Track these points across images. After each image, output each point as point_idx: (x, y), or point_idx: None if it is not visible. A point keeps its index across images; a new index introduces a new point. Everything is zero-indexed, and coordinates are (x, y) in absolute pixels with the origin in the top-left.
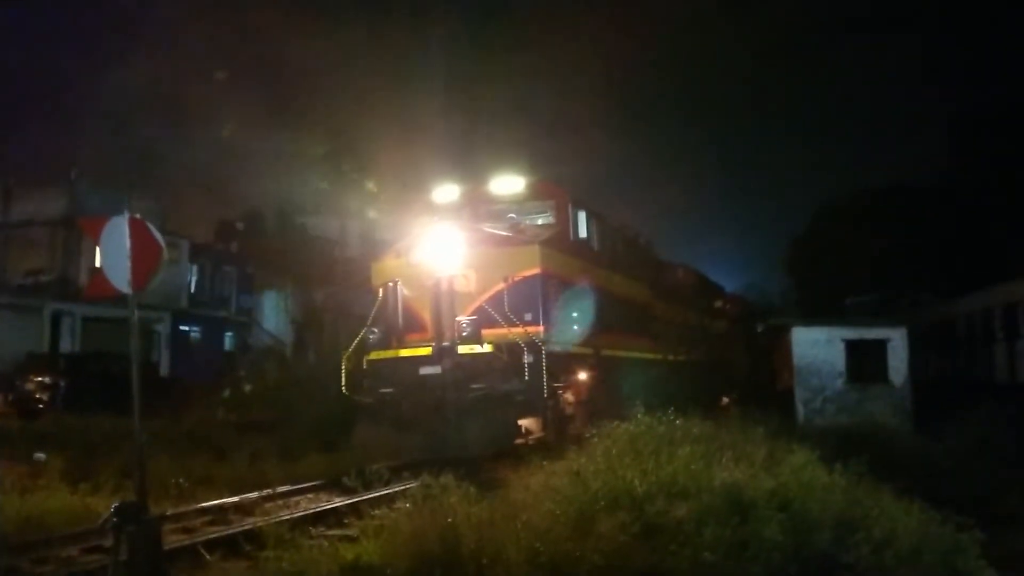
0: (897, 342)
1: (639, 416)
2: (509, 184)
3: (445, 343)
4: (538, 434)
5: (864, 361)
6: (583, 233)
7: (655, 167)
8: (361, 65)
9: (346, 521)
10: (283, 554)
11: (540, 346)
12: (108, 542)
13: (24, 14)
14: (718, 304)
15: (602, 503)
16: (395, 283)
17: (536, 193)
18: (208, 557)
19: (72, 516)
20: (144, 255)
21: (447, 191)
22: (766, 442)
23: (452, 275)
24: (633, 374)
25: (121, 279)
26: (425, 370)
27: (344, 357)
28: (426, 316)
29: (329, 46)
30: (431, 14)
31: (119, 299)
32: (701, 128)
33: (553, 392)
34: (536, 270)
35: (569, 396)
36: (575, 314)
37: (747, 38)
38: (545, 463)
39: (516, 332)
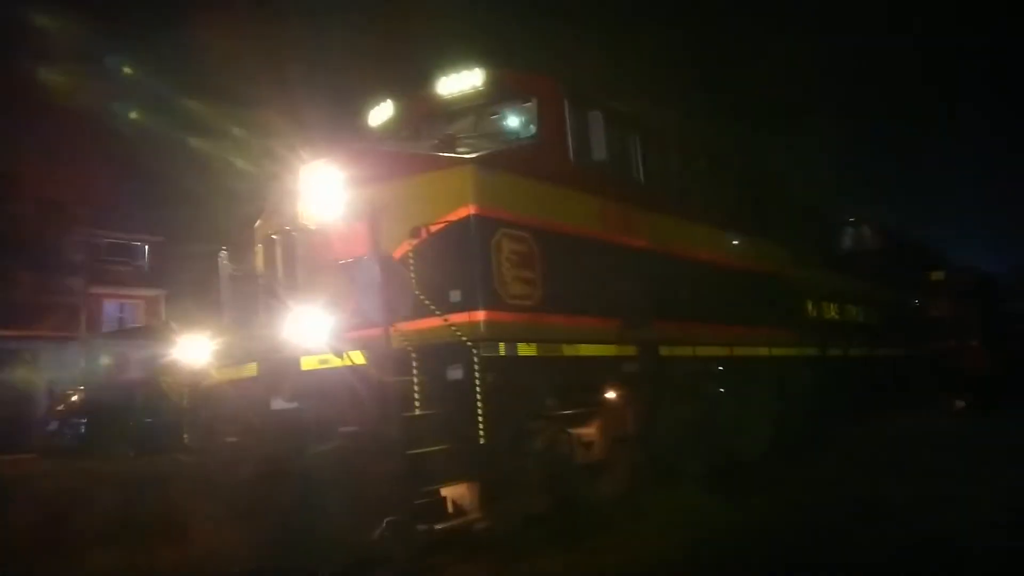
0: None
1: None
2: (462, 80)
3: (277, 353)
4: (474, 515)
5: None
6: (599, 152)
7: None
8: None
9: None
10: None
11: (471, 349)
12: None
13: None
14: (936, 277)
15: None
16: (223, 252)
17: (507, 88)
18: None
19: None
20: None
21: (380, 110)
22: None
23: (304, 231)
24: (742, 380)
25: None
26: (277, 404)
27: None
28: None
29: None
30: None
31: None
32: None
33: (520, 431)
34: (468, 210)
35: (590, 432)
36: (586, 288)
37: None
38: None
39: (432, 325)
